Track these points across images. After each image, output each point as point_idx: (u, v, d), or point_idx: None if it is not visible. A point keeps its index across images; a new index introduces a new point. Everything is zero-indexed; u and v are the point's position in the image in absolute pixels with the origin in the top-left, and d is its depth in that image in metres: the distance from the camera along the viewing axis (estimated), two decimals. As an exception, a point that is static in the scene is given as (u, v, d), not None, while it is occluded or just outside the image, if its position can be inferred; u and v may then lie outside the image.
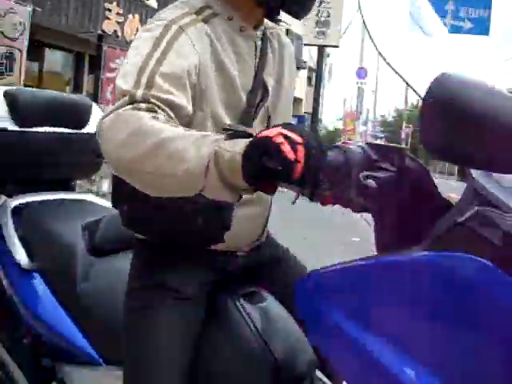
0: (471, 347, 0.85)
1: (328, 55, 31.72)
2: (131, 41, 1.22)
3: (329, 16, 13.62)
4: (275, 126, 0.95)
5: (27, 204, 1.83)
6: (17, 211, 1.81)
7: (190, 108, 1.11)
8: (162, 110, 1.05)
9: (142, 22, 10.38)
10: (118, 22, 9.86)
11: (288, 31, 23.10)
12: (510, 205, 0.86)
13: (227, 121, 1.19)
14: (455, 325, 0.86)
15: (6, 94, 1.85)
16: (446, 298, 0.87)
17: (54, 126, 1.93)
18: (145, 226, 1.27)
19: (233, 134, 0.97)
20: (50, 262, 1.66)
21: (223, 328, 1.31)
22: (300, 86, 20.08)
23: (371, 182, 0.96)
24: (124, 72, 1.11)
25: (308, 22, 13.41)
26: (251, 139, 0.94)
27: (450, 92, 0.77)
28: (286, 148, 0.90)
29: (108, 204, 1.84)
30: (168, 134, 0.97)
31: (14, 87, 2.03)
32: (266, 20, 1.31)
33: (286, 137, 0.91)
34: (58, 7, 8.75)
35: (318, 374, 1.36)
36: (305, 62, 23.23)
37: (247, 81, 1.25)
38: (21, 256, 1.70)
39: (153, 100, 1.05)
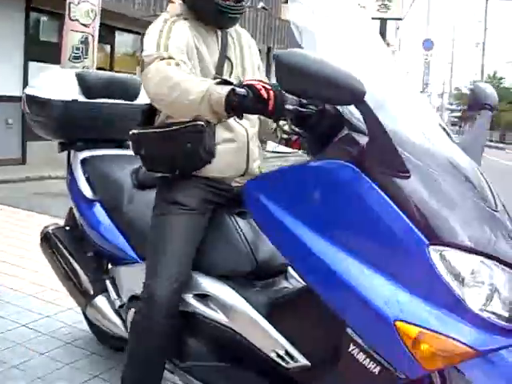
0: (345, 219, 1.44)
1: (398, 28, 31.40)
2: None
3: (391, -12, 13.82)
4: (255, 80, 1.60)
5: (91, 156, 2.52)
6: (84, 161, 2.50)
7: (190, 65, 1.82)
8: (184, 65, 1.76)
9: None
10: (182, 5, 10.57)
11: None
12: (364, 130, 1.43)
13: None
14: (332, 205, 1.46)
15: (76, 75, 2.54)
16: (326, 187, 1.47)
17: (112, 98, 2.60)
18: (155, 162, 1.97)
19: (220, 82, 1.65)
20: (106, 194, 2.35)
21: (220, 234, 1.93)
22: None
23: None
24: (146, 47, 1.82)
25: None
26: (232, 86, 1.59)
27: (288, 57, 1.36)
28: (263, 91, 1.54)
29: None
30: (182, 78, 1.69)
31: (82, 69, 2.70)
32: None
33: (262, 85, 1.54)
34: (125, -7, 9.55)
35: (290, 270, 1.97)
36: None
37: (214, 58, 1.94)
38: (87, 191, 2.41)
39: (176, 59, 1.75)
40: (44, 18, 9.67)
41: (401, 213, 1.35)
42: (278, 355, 1.69)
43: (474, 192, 1.45)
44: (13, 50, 9.08)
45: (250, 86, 1.55)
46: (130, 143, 2.07)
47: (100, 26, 8.48)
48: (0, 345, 2.70)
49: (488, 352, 1.33)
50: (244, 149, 1.97)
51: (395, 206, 1.36)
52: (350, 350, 1.45)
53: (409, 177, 1.37)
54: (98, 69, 8.94)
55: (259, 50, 2.20)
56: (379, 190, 1.37)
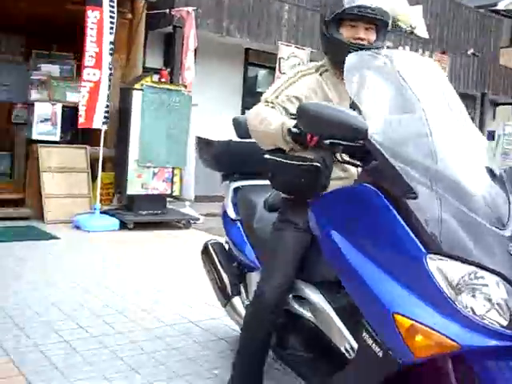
0: (366, 230, 1.83)
1: None
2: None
3: None
4: None
5: (242, 186, 3.14)
6: (235, 190, 3.14)
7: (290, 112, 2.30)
8: (279, 108, 2.30)
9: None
10: (389, 54, 11.11)
11: None
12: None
13: None
14: (358, 219, 1.86)
15: (233, 120, 3.21)
16: (355, 205, 1.88)
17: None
18: (277, 184, 2.43)
19: (292, 118, 2.15)
20: (244, 214, 2.96)
21: (317, 248, 2.37)
22: None
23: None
24: (269, 90, 2.39)
25: None
26: (290, 126, 2.09)
27: (307, 107, 1.84)
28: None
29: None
30: (268, 114, 2.24)
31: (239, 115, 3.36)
32: None
33: None
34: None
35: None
36: None
37: (344, 105, 2.27)
38: (231, 213, 3.04)
39: (275, 103, 2.31)
40: (259, 72, 10.94)
41: (406, 226, 1.70)
42: (345, 349, 2.07)
43: (482, 214, 1.72)
44: (233, 100, 10.45)
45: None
46: None
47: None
48: (171, 332, 3.48)
49: (472, 349, 1.58)
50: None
51: (402, 221, 1.71)
52: (363, 335, 1.80)
53: (416, 197, 1.71)
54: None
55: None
56: (391, 208, 1.75)
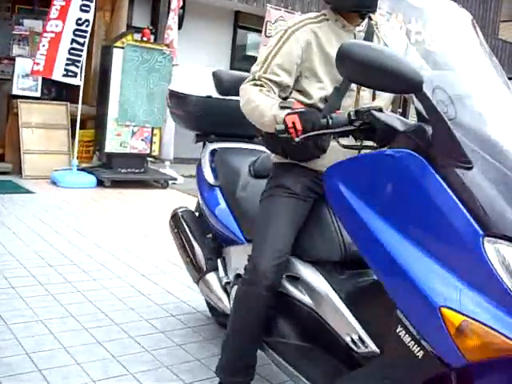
0: (406, 206, 1.34)
1: None
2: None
3: None
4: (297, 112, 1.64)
5: (220, 148, 2.54)
6: (212, 152, 2.54)
7: (291, 83, 1.85)
8: (269, 86, 1.82)
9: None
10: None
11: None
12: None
13: (327, 83, 1.84)
14: (396, 192, 1.37)
15: (213, 74, 2.59)
16: (391, 175, 1.38)
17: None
18: (272, 146, 1.95)
19: (283, 107, 1.71)
20: (225, 181, 2.36)
21: (316, 222, 1.85)
22: None
23: None
24: (257, 61, 1.88)
25: None
26: (287, 112, 1.65)
27: (352, 49, 1.31)
28: (292, 128, 1.60)
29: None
30: (261, 102, 1.77)
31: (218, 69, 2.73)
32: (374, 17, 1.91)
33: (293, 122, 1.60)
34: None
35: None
36: None
37: None
38: (210, 177, 2.44)
39: (264, 80, 1.82)
40: (249, 35, 10.10)
41: (459, 203, 1.24)
42: (352, 340, 1.60)
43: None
44: (221, 63, 9.62)
45: (284, 120, 1.65)
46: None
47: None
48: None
49: None
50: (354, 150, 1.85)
51: (454, 196, 1.25)
52: (397, 331, 1.33)
53: (471, 168, 1.25)
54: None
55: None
56: (440, 180, 1.28)
